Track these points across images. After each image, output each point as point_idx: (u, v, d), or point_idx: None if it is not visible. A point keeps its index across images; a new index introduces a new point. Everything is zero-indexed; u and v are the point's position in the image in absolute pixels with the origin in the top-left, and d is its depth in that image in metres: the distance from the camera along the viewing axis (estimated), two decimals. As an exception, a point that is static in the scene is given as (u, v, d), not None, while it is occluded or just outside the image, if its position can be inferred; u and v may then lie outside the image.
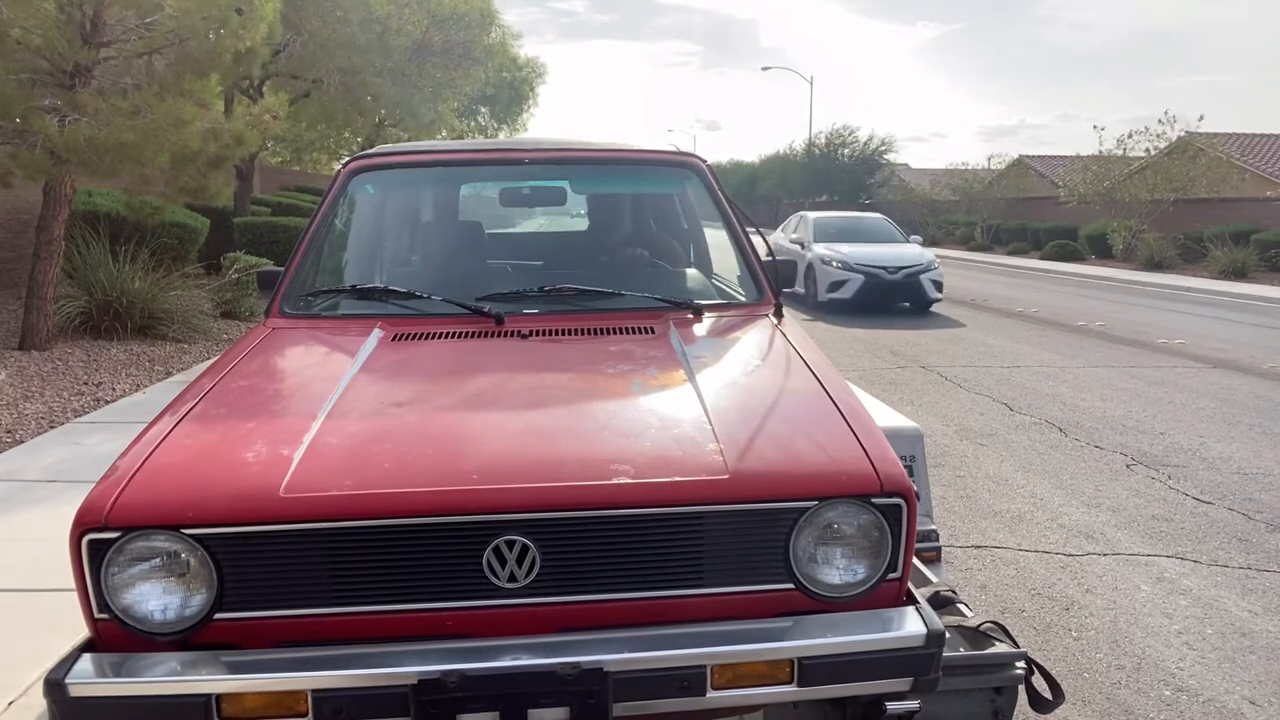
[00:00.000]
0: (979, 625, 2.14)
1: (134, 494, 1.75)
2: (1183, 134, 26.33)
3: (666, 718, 1.79)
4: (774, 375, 2.42)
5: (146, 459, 1.86)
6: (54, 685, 1.61)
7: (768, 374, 2.44)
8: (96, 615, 1.74)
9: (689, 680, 1.68)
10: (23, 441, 5.49)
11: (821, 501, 1.82)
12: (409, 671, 1.63)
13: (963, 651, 2.11)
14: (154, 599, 1.73)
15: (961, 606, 2.26)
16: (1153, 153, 26.47)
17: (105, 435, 5.63)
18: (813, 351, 2.51)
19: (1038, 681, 2.09)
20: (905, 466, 3.21)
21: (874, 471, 1.85)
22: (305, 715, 1.63)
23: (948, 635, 2.16)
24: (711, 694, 1.69)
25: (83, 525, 1.71)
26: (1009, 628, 2.19)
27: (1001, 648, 2.08)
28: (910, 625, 1.80)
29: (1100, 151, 27.51)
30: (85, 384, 6.93)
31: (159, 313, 8.74)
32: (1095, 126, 43.69)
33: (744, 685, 1.72)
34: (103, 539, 1.71)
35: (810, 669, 1.72)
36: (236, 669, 1.65)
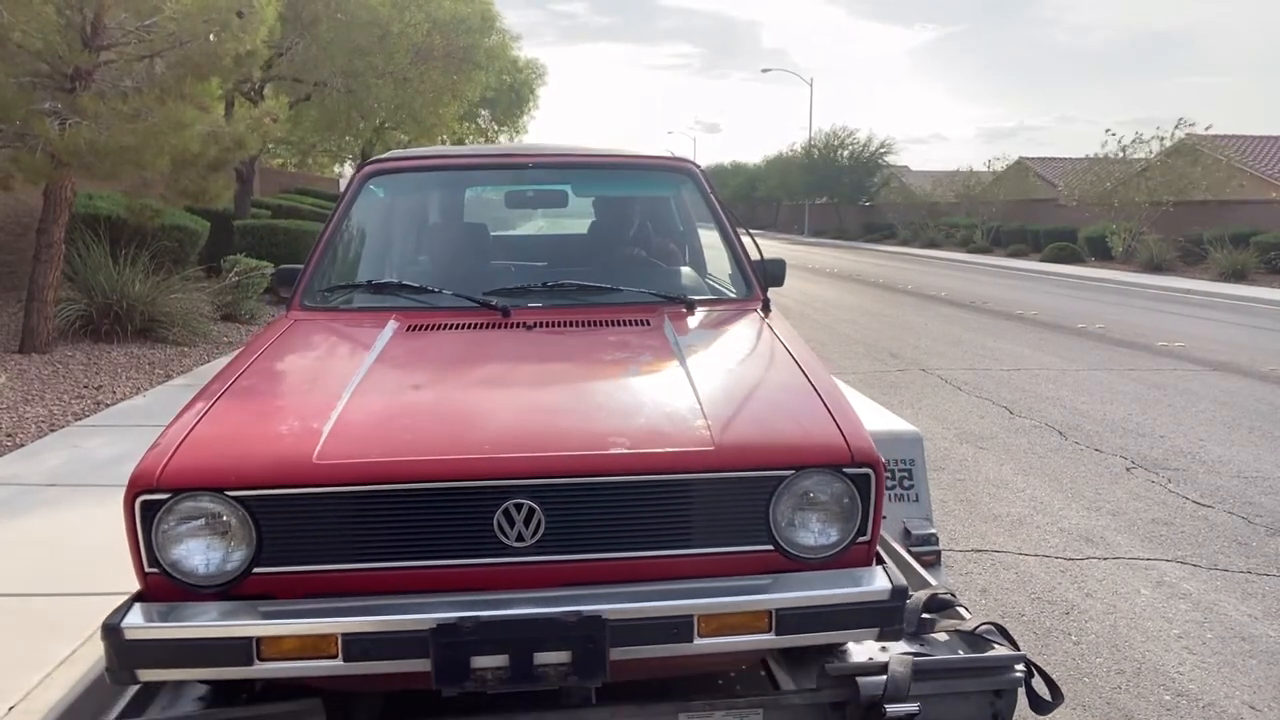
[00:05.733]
0: (977, 628, 2.15)
1: (182, 460, 1.90)
2: (1182, 136, 26.37)
3: (658, 663, 1.94)
4: (758, 362, 2.60)
5: (191, 429, 2.01)
6: (111, 629, 1.76)
7: (753, 361, 2.62)
8: (147, 569, 1.88)
9: (678, 628, 1.83)
10: (23, 445, 5.50)
11: (798, 471, 1.97)
12: (428, 618, 1.77)
13: (962, 654, 2.11)
14: (199, 554, 1.88)
15: (961, 609, 2.27)
16: (1152, 154, 26.50)
17: (105, 438, 5.63)
18: (795, 342, 2.66)
19: (1037, 684, 2.09)
20: (905, 470, 3.27)
21: (845, 444, 2.00)
22: (335, 656, 1.78)
23: (946, 638, 2.17)
24: (698, 641, 1.84)
25: (136, 488, 1.86)
26: (1009, 631, 2.19)
27: (1001, 650, 2.09)
28: (878, 582, 1.95)
29: (1106, 153, 27.51)
30: (85, 387, 6.94)
31: (159, 315, 8.74)
32: (1107, 130, 44.25)
33: (727, 633, 1.86)
34: (154, 500, 1.86)
35: (786, 619, 1.87)
36: (273, 616, 1.80)
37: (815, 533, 2.00)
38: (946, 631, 2.18)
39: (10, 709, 2.70)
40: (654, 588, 1.89)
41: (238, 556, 1.88)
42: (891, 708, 1.88)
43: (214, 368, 7.65)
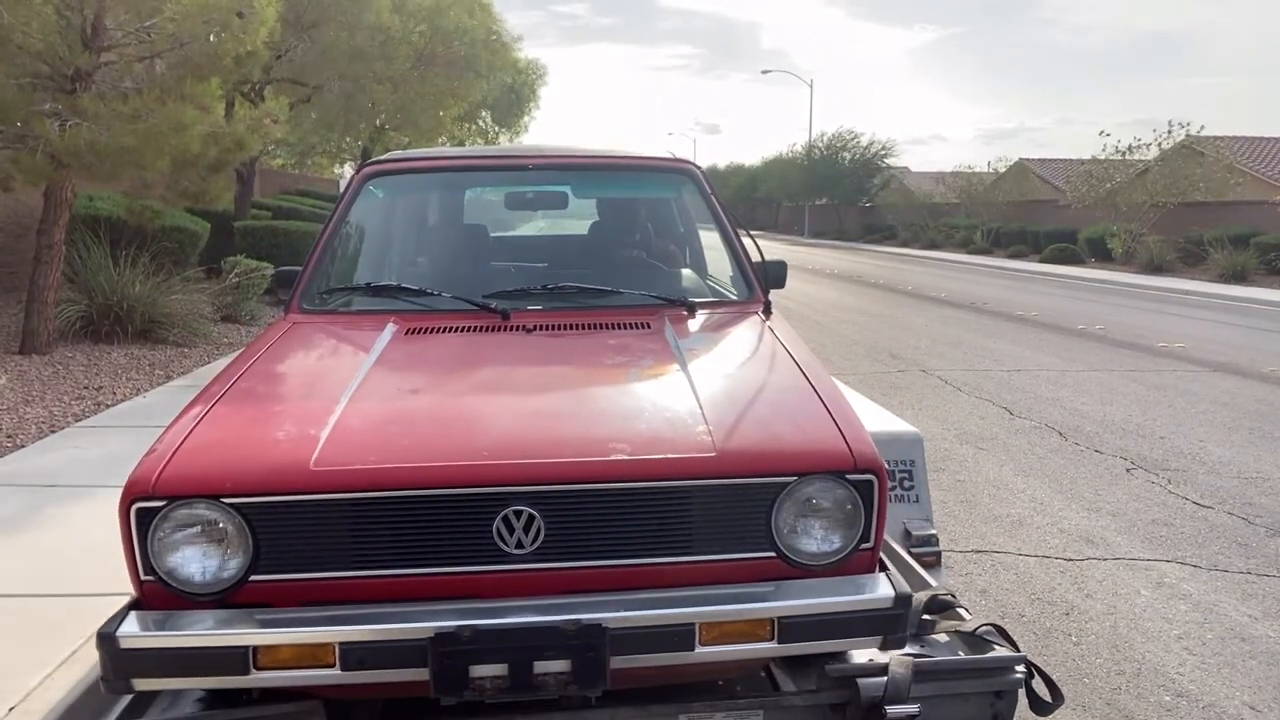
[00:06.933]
0: (976, 629, 2.15)
1: (178, 467, 1.89)
2: (1182, 138, 26.39)
3: (658, 671, 1.92)
4: (760, 366, 2.58)
5: (188, 436, 2.00)
6: (106, 638, 1.75)
7: (754, 365, 2.61)
8: (143, 577, 1.87)
9: (679, 636, 1.82)
10: (23, 445, 5.49)
11: (800, 477, 1.95)
12: (426, 626, 1.76)
13: (962, 655, 2.11)
14: (195, 562, 1.86)
15: (961, 611, 2.27)
16: (1151, 156, 26.51)
17: (106, 439, 5.63)
18: (797, 345, 2.64)
19: (1037, 684, 2.09)
20: (905, 471, 3.27)
21: (848, 450, 1.98)
22: (333, 665, 1.76)
23: (947, 639, 2.17)
24: (700, 649, 1.83)
25: (132, 495, 1.85)
26: (1009, 632, 2.19)
27: (1001, 651, 2.09)
28: (880, 589, 1.93)
29: (1110, 154, 27.53)
30: (86, 388, 6.94)
31: (159, 317, 8.74)
32: (1101, 133, 44.54)
33: (729, 641, 1.85)
34: (149, 507, 1.84)
35: (789, 627, 1.86)
36: (270, 624, 1.79)
37: (818, 539, 1.98)
38: (947, 633, 2.18)
39: (10, 710, 2.70)
40: (655, 595, 1.88)
41: (234, 564, 1.86)
42: (892, 709, 1.87)
43: (214, 369, 7.65)
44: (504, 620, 1.78)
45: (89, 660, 2.77)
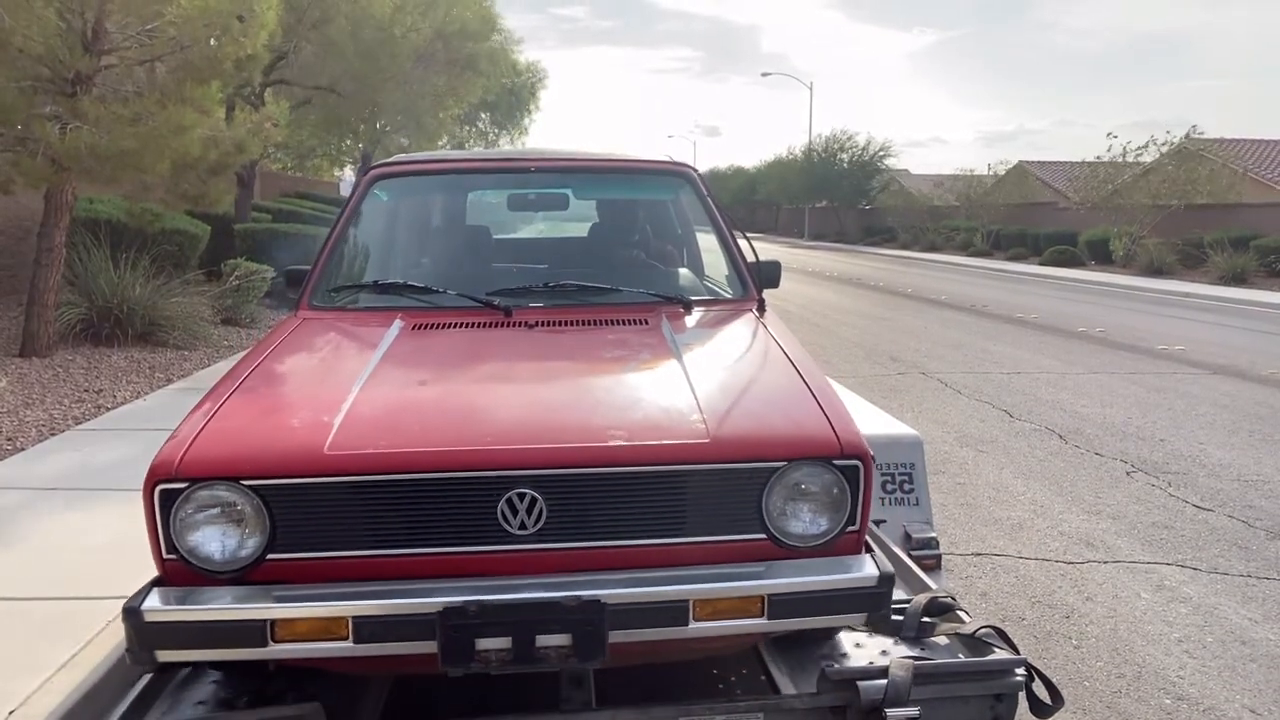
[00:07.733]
0: (976, 631, 2.15)
1: (199, 450, 1.97)
2: (1184, 139, 26.43)
3: (655, 646, 2.01)
4: (753, 359, 2.67)
5: (208, 422, 2.08)
6: (131, 612, 1.83)
7: (747, 358, 2.70)
8: (165, 556, 1.94)
9: (674, 612, 1.90)
10: (23, 449, 5.50)
11: (790, 463, 2.03)
12: (435, 602, 1.84)
13: (962, 658, 2.11)
14: (215, 541, 1.94)
15: (961, 613, 2.27)
16: (1159, 154, 26.54)
17: (106, 442, 5.63)
18: (789, 341, 2.72)
19: (1037, 687, 2.09)
20: (905, 474, 3.28)
21: (835, 437, 2.06)
22: (346, 638, 1.85)
23: (947, 642, 2.18)
24: (693, 625, 1.91)
25: (156, 477, 1.92)
26: (1009, 634, 2.19)
27: (1001, 654, 2.09)
28: (866, 569, 2.02)
29: (1111, 157, 27.54)
30: (86, 391, 6.94)
31: (160, 319, 8.74)
32: (1109, 134, 44.80)
33: (721, 617, 1.93)
34: (172, 489, 1.92)
35: (778, 604, 1.94)
36: (287, 599, 1.87)
37: (806, 522, 2.05)
38: (947, 635, 2.18)
39: (10, 713, 2.70)
40: (651, 574, 1.95)
41: (252, 543, 1.93)
42: (892, 712, 1.88)
43: (214, 371, 7.66)
44: (508, 596, 1.86)
45: (89, 663, 2.78)
